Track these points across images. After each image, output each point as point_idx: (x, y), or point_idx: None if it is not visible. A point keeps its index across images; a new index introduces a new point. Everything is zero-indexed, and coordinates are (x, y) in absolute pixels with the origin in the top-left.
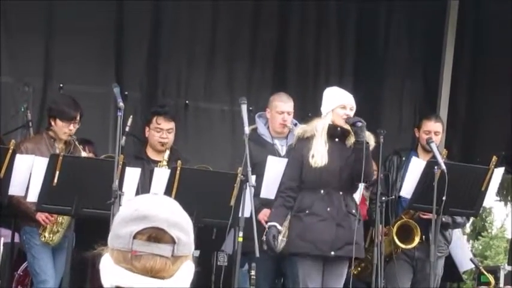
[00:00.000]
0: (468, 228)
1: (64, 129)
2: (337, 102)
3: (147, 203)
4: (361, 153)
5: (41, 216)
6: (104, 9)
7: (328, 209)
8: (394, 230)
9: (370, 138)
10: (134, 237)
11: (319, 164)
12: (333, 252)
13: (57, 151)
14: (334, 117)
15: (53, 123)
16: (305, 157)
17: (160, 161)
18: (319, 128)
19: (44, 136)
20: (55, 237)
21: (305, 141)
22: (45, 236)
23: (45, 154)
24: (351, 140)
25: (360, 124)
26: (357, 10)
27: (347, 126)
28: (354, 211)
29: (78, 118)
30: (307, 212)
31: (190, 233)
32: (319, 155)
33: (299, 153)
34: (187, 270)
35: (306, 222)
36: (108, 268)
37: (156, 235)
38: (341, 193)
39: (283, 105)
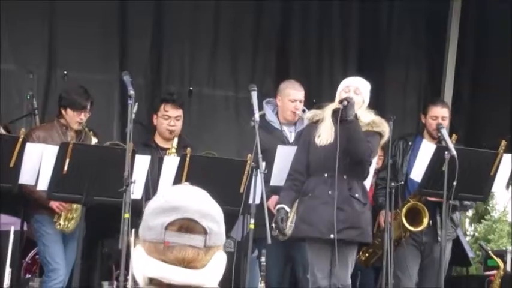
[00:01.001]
0: (471, 211)
1: (75, 118)
2: (341, 86)
3: (178, 194)
4: (349, 132)
5: (54, 204)
6: None
7: (329, 192)
8: (403, 213)
9: (383, 125)
10: (166, 229)
11: (323, 143)
12: (332, 235)
13: (69, 139)
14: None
15: (63, 112)
16: (312, 138)
17: (168, 149)
18: (327, 111)
19: (55, 124)
20: (70, 224)
21: (314, 125)
22: (60, 224)
23: (57, 142)
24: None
25: (344, 103)
26: None
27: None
28: (357, 195)
29: (88, 107)
30: (310, 195)
31: (221, 223)
32: (324, 133)
33: (307, 136)
34: (219, 261)
35: (308, 205)
36: (141, 260)
37: (188, 226)
38: (345, 177)
39: (296, 93)
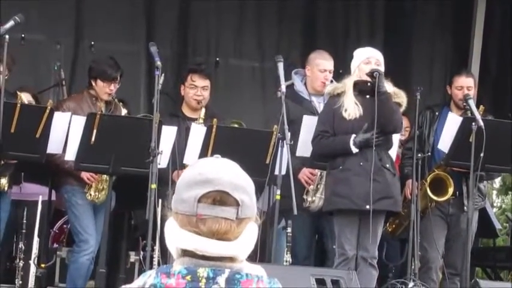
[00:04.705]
0: (497, 183)
1: (105, 89)
2: (362, 58)
3: (210, 166)
4: (383, 104)
5: (85, 175)
6: None
7: (361, 163)
8: (427, 183)
9: (402, 95)
10: (199, 201)
11: (352, 117)
12: (368, 206)
13: (99, 110)
14: (360, 73)
15: (93, 83)
16: (336, 112)
17: (196, 119)
18: (348, 84)
19: (85, 95)
20: (100, 195)
21: (336, 98)
22: (91, 194)
23: (87, 113)
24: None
25: (376, 74)
26: None
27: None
28: (388, 165)
29: (118, 78)
30: (340, 168)
31: (253, 195)
32: (351, 107)
33: (330, 109)
34: (251, 232)
35: (339, 178)
36: (174, 232)
37: (220, 198)
38: (374, 148)
39: (326, 63)
